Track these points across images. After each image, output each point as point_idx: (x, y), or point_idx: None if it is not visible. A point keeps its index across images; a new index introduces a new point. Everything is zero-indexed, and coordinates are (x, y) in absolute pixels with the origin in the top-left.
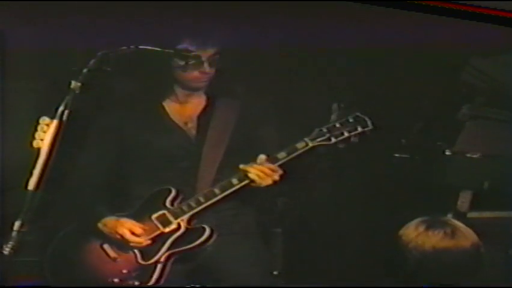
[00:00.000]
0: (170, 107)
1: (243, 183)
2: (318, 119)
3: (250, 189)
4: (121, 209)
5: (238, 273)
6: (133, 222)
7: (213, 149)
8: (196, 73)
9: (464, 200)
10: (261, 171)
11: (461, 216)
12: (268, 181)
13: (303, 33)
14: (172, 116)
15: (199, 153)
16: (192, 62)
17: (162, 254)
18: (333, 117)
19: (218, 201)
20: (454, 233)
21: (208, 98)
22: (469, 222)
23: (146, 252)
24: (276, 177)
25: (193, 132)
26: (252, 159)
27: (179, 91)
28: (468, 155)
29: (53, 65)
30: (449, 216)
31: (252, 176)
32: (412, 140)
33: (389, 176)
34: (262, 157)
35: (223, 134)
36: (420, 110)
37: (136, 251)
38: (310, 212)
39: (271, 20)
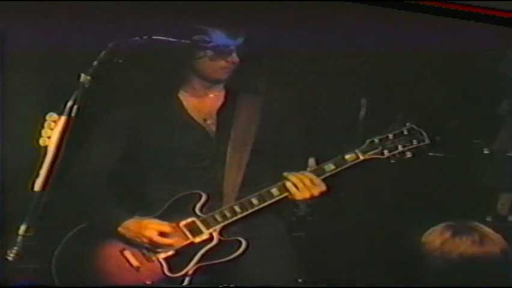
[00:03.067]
0: (188, 101)
1: (284, 195)
2: (345, 117)
3: None
4: (135, 212)
5: (264, 280)
6: (159, 222)
7: (237, 149)
8: (223, 62)
9: (504, 202)
10: (301, 182)
11: (501, 220)
12: (306, 195)
13: (331, 32)
14: (190, 111)
15: (221, 152)
16: (220, 50)
17: (192, 266)
18: (362, 113)
19: (255, 212)
20: (482, 239)
21: (227, 93)
22: (509, 226)
23: (174, 263)
24: (316, 192)
25: (213, 129)
26: (278, 160)
27: (197, 83)
28: (508, 154)
29: (54, 64)
30: (489, 219)
31: (288, 184)
32: (447, 137)
33: (421, 177)
34: (312, 162)
35: (247, 133)
36: (456, 105)
37: (162, 261)
38: (334, 214)
39: (297, 16)
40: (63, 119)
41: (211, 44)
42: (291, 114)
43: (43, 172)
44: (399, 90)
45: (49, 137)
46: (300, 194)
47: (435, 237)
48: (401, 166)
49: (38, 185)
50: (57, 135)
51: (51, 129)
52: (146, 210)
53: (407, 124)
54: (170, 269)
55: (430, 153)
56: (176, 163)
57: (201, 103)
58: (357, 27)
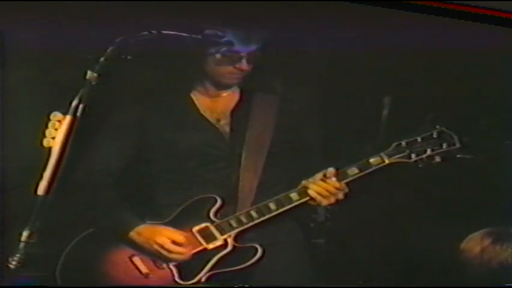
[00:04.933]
0: (200, 100)
1: (304, 199)
2: (365, 117)
3: None
4: (145, 216)
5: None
6: (173, 229)
7: (253, 151)
8: (230, 68)
9: None
10: (325, 190)
11: None
12: (331, 200)
13: (352, 30)
14: (202, 111)
15: (235, 154)
16: (228, 55)
17: (204, 274)
18: (385, 112)
19: (273, 218)
20: None
21: (241, 92)
22: None
23: (185, 270)
24: (341, 196)
25: (227, 129)
26: (296, 162)
27: (209, 84)
28: None
29: (55, 64)
30: None
31: (312, 193)
32: (476, 138)
33: (449, 180)
34: (331, 171)
35: (263, 134)
36: (485, 104)
37: (172, 268)
38: (355, 220)
39: (316, 14)
40: (68, 118)
41: (225, 39)
42: (309, 114)
43: (47, 175)
44: (423, 88)
45: (53, 138)
46: (326, 201)
47: (475, 244)
48: (427, 169)
49: (41, 189)
50: (62, 135)
51: (56, 129)
52: (156, 214)
53: (437, 127)
54: (181, 277)
55: (458, 155)
56: (188, 165)
57: (214, 103)
58: (379, 25)
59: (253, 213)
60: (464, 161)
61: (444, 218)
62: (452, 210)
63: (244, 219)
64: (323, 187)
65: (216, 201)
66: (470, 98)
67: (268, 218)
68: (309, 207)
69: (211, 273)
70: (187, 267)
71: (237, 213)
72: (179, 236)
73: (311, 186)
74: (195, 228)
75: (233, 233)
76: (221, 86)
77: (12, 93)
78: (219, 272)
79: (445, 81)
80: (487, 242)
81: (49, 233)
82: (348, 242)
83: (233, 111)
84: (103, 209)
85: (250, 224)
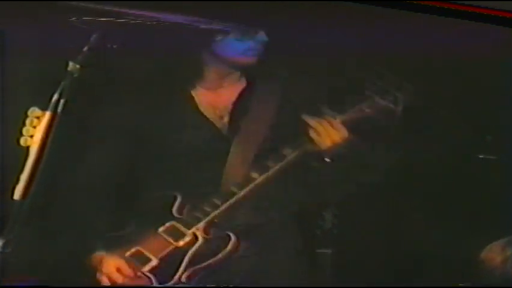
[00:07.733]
0: (200, 96)
1: (264, 177)
2: None
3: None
4: (130, 221)
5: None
6: (121, 260)
7: (243, 145)
8: (251, 43)
9: None
10: (319, 125)
11: None
12: (327, 141)
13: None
14: (202, 108)
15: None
16: (246, 30)
17: (182, 272)
18: (399, 109)
19: (240, 202)
20: None
21: (247, 82)
22: None
23: (162, 274)
24: (338, 138)
25: (227, 125)
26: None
27: (212, 71)
28: None
29: (55, 64)
30: None
31: (310, 132)
32: (500, 137)
33: (470, 183)
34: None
35: (258, 128)
36: (510, 98)
37: (148, 274)
38: (365, 226)
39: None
40: (47, 115)
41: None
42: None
43: (24, 177)
44: (437, 79)
45: (31, 136)
46: (321, 140)
47: (496, 254)
48: (445, 170)
49: (18, 193)
50: (41, 134)
51: (34, 126)
52: (142, 220)
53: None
54: (159, 281)
55: (481, 156)
56: (183, 166)
57: (216, 96)
58: (385, 21)
59: (216, 200)
60: (487, 162)
61: (462, 225)
62: (471, 216)
63: (208, 209)
64: (318, 122)
65: (175, 198)
66: (494, 91)
67: (239, 204)
68: (314, 213)
69: (189, 271)
70: (162, 270)
71: (199, 205)
72: (125, 266)
73: (309, 120)
74: (160, 229)
75: (201, 225)
76: (238, 67)
77: (13, 92)
78: (197, 269)
79: (466, 73)
80: (509, 251)
81: (28, 241)
82: (356, 252)
83: (235, 103)
84: (86, 217)
85: (217, 211)
